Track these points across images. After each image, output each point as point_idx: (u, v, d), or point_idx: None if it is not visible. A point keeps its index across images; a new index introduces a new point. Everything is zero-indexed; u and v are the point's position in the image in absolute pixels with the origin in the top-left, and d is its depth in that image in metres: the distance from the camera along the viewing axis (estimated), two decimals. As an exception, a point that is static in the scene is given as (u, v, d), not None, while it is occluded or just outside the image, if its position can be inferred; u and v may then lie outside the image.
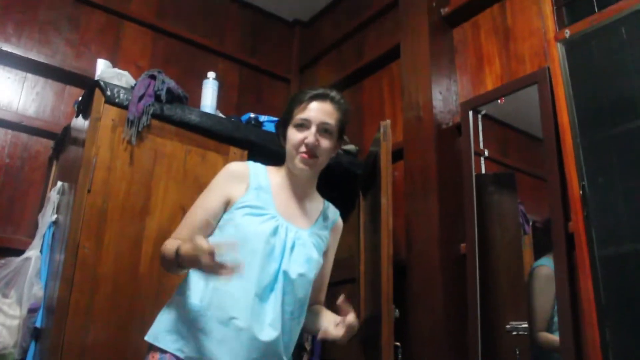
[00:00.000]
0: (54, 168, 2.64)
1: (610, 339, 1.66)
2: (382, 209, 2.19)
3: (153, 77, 2.31)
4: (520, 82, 2.26)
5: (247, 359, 1.36)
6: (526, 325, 2.07)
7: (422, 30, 2.65)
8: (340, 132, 1.59)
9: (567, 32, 1.99)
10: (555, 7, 2.08)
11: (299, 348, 2.70)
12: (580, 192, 1.83)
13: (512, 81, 2.32)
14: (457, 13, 2.67)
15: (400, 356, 2.24)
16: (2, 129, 2.67)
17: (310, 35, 3.91)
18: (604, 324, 1.68)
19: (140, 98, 2.20)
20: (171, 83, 2.34)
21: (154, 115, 2.23)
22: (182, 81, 2.62)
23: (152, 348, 1.41)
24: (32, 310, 2.07)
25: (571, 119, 1.92)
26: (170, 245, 1.42)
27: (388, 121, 2.33)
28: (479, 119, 2.41)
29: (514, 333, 2.09)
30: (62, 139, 2.61)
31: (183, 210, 1.55)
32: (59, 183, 2.31)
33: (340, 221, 1.71)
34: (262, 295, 1.41)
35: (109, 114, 2.15)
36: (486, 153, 2.40)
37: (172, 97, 2.32)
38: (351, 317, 1.40)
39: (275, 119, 2.58)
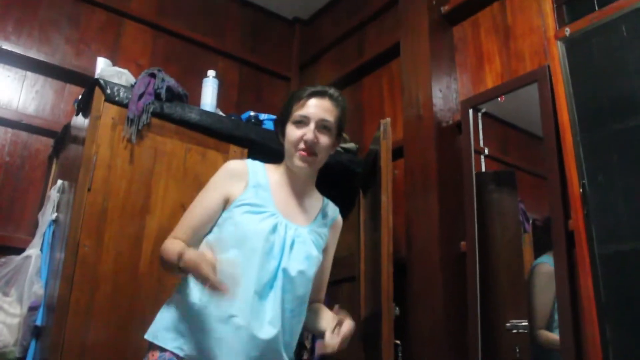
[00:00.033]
0: (54, 166, 2.64)
1: (611, 337, 1.67)
2: (382, 207, 2.19)
3: (153, 75, 2.31)
4: (520, 80, 2.25)
5: (247, 356, 1.36)
6: (526, 324, 2.07)
7: (422, 28, 2.65)
8: (339, 129, 1.59)
9: (568, 30, 1.99)
10: (555, 5, 2.08)
11: (300, 346, 2.70)
12: (580, 190, 1.83)
13: (512, 79, 2.32)
14: (457, 11, 2.67)
15: (400, 354, 2.24)
16: (2, 128, 2.67)
17: (310, 34, 3.91)
18: (604, 322, 1.69)
19: (140, 96, 2.20)
20: (171, 81, 2.34)
21: (154, 114, 2.23)
22: (182, 79, 2.62)
23: (152, 346, 1.41)
24: (32, 309, 2.07)
25: (571, 117, 1.92)
26: (172, 247, 1.41)
27: (388, 119, 2.34)
28: (479, 117, 2.41)
29: (514, 331, 2.09)
30: (62, 137, 2.61)
31: (183, 208, 1.55)
32: (59, 181, 2.32)
33: (339, 218, 1.71)
34: (262, 293, 1.41)
35: (109, 112, 2.14)
36: (486, 151, 2.40)
37: (172, 96, 2.32)
38: (346, 327, 1.39)
39: (275, 117, 2.57)
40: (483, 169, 2.38)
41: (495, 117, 2.44)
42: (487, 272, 2.19)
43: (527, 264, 2.20)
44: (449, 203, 2.37)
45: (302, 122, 1.52)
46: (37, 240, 2.25)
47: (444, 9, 2.69)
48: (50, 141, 2.73)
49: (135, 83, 2.27)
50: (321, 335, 1.50)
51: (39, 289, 2.10)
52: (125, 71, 2.32)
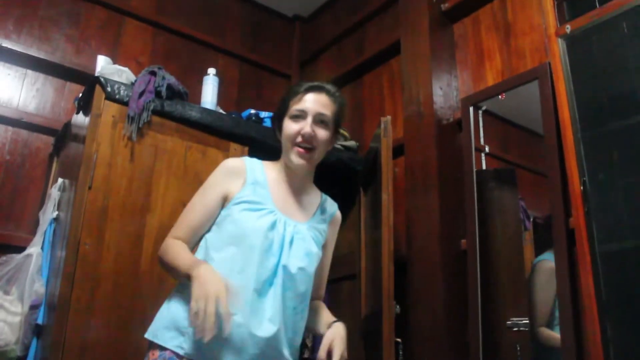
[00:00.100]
0: (54, 165, 2.64)
1: (611, 335, 1.67)
2: (382, 205, 2.19)
3: (153, 73, 2.31)
4: (521, 77, 2.25)
5: (247, 354, 1.35)
6: (527, 321, 2.07)
7: (423, 26, 2.64)
8: (336, 124, 1.59)
9: (568, 28, 1.99)
10: (556, 3, 2.08)
11: (301, 344, 2.70)
12: (581, 187, 1.83)
13: (513, 77, 2.31)
14: (457, 8, 2.67)
15: (401, 352, 2.24)
16: (2, 126, 2.67)
17: (310, 31, 3.90)
18: (605, 320, 1.69)
19: (141, 94, 2.20)
20: (171, 79, 2.34)
21: (155, 112, 2.23)
22: (182, 77, 2.62)
23: (152, 345, 1.40)
24: (33, 307, 2.07)
25: (572, 114, 1.91)
26: (175, 249, 1.42)
27: (388, 117, 2.33)
28: (480, 115, 2.41)
29: (515, 329, 2.09)
30: (63, 135, 2.61)
31: (183, 206, 1.54)
32: (60, 180, 2.31)
33: (338, 214, 1.70)
34: (261, 291, 1.40)
35: (110, 110, 2.14)
36: (487, 149, 2.40)
37: (173, 93, 2.32)
38: (337, 352, 1.41)
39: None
40: (484, 167, 2.38)
41: (496, 114, 2.44)
42: (488, 269, 2.19)
43: (528, 261, 2.20)
44: (450, 201, 2.37)
45: (299, 116, 1.52)
46: (37, 239, 2.25)
47: (445, 6, 2.69)
48: (50, 139, 2.73)
49: (135, 81, 2.26)
50: (319, 336, 1.52)
51: (40, 287, 2.10)
52: (126, 69, 2.32)
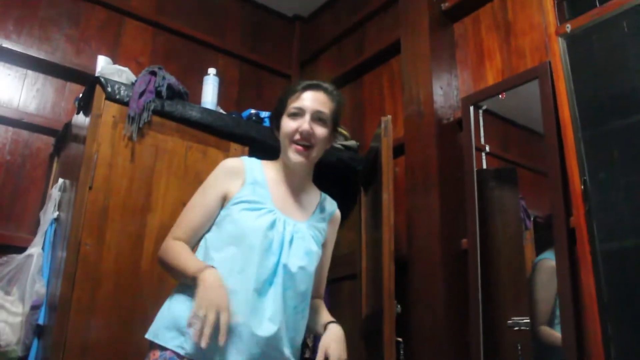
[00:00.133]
0: (55, 165, 2.64)
1: (612, 334, 1.67)
2: (383, 204, 2.19)
3: (153, 73, 2.31)
4: (521, 77, 2.25)
5: (248, 354, 1.35)
6: (528, 321, 2.07)
7: (423, 25, 2.64)
8: (334, 123, 1.59)
9: (568, 27, 1.99)
10: (556, 2, 2.07)
11: (302, 344, 2.70)
12: (582, 187, 1.82)
13: (513, 76, 2.31)
14: (457, 8, 2.67)
15: (402, 352, 2.24)
16: (2, 126, 2.67)
17: (310, 31, 3.90)
18: (606, 319, 1.68)
19: (141, 94, 2.20)
20: (172, 79, 2.34)
21: (155, 112, 2.23)
22: (183, 77, 2.62)
23: (153, 346, 1.40)
24: (34, 307, 2.07)
25: (572, 113, 1.91)
26: (177, 250, 1.43)
27: (389, 117, 2.33)
28: (480, 114, 2.41)
29: (516, 328, 2.09)
30: (63, 135, 2.61)
31: (184, 206, 1.55)
32: (60, 180, 2.32)
33: (338, 213, 1.70)
34: (261, 290, 1.40)
35: (110, 110, 2.14)
36: (487, 148, 2.40)
37: (173, 94, 2.32)
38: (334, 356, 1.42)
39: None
40: (484, 166, 2.38)
41: (496, 114, 2.43)
42: (488, 269, 2.19)
43: (529, 261, 2.20)
44: (450, 200, 2.37)
45: (297, 114, 1.52)
46: (38, 239, 2.25)
47: (445, 5, 2.68)
48: (51, 140, 2.73)
49: (135, 81, 2.27)
50: (318, 335, 1.53)
51: (40, 287, 2.10)
52: (126, 69, 2.32)
